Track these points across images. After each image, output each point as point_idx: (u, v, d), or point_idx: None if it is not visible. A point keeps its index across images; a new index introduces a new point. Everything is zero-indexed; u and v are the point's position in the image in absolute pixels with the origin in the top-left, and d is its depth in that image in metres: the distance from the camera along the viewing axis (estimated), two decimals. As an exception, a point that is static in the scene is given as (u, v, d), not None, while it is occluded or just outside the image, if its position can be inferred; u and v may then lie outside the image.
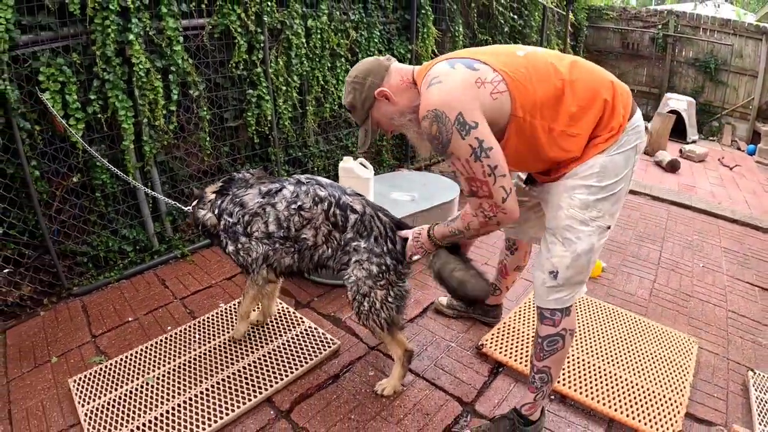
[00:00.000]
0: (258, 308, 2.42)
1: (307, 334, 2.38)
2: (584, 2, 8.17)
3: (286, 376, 2.10)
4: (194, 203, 2.13)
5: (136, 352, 2.25)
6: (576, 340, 2.36)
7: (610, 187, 1.46)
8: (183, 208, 2.27)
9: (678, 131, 7.11)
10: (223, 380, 2.08)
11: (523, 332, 2.42)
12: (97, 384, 2.06)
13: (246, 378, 2.10)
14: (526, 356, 2.24)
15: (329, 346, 2.28)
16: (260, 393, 2.01)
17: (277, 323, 2.46)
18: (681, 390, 2.11)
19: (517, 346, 2.31)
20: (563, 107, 1.40)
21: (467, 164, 1.36)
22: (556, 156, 1.46)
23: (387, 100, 1.52)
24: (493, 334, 2.39)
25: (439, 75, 1.37)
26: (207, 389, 2.03)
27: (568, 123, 1.41)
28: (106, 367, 2.15)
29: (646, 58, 8.25)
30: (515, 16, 5.74)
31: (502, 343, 2.33)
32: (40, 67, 2.43)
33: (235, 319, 2.46)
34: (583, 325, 2.52)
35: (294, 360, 2.20)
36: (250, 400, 1.97)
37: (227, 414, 1.90)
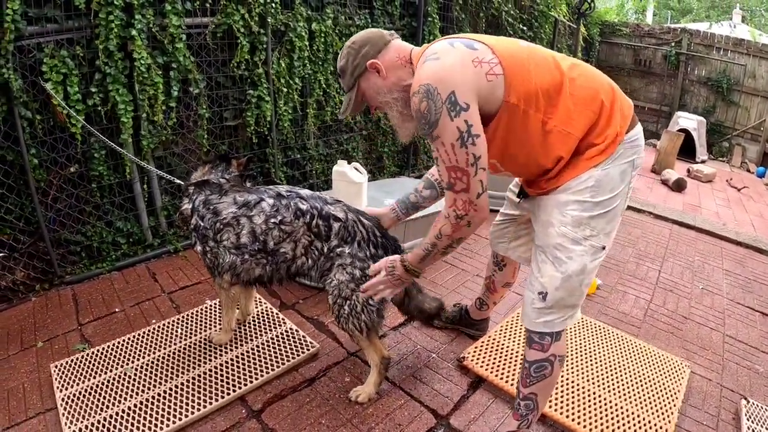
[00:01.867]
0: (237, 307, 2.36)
1: (288, 336, 2.31)
2: (597, 17, 8.04)
3: (262, 376, 2.04)
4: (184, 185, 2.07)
5: (119, 342, 2.21)
6: (562, 358, 2.28)
7: (605, 203, 1.35)
8: (176, 180, 2.21)
9: (687, 150, 6.93)
10: (199, 375, 2.03)
11: (507, 347, 2.32)
12: (78, 371, 2.03)
13: (222, 375, 2.04)
14: (508, 371, 2.15)
15: (308, 349, 2.21)
16: (234, 391, 1.95)
17: (258, 323, 2.40)
18: (668, 416, 1.99)
19: (499, 361, 2.20)
20: (561, 100, 1.30)
21: (452, 150, 1.26)
22: (545, 155, 1.36)
23: (377, 73, 1.43)
24: (476, 348, 2.29)
25: (438, 52, 1.29)
26: (183, 383, 1.98)
27: (563, 119, 1.31)
28: (88, 354, 2.13)
29: (658, 75, 8.09)
30: (525, 28, 5.64)
31: (484, 357, 2.22)
32: (43, 58, 2.42)
33: (219, 317, 2.41)
34: (571, 343, 2.41)
35: (271, 360, 2.14)
36: (223, 397, 1.92)
37: (199, 409, 1.84)
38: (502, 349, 2.30)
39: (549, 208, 1.41)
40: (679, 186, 5.68)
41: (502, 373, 2.13)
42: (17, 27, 2.29)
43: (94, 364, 2.07)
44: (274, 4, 3.17)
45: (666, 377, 2.21)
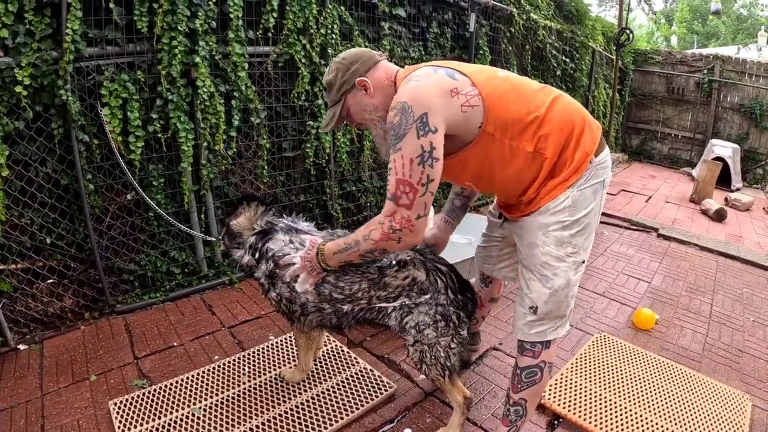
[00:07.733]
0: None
1: (362, 376, 2.01)
2: (630, 46, 7.60)
3: (341, 418, 1.76)
4: (223, 233, 1.81)
5: (182, 380, 1.93)
6: (630, 392, 2.08)
7: (581, 220, 1.34)
8: (211, 239, 1.94)
9: (720, 178, 6.44)
10: (275, 417, 1.74)
11: (581, 385, 2.09)
12: (140, 409, 1.76)
13: (299, 417, 1.76)
14: (585, 410, 1.93)
15: (386, 390, 1.91)
16: (315, 435, 1.66)
17: (330, 362, 2.10)
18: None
19: (575, 399, 1.99)
20: (531, 128, 1.29)
21: (409, 164, 1.21)
22: (518, 178, 1.35)
23: (365, 90, 1.38)
24: (551, 386, 2.06)
25: (420, 75, 1.27)
26: (258, 426, 1.70)
27: (537, 144, 1.29)
28: (149, 392, 1.85)
29: (691, 103, 7.57)
30: (567, 59, 5.27)
31: (560, 395, 2.00)
32: (103, 81, 2.17)
33: (287, 355, 2.14)
34: (638, 377, 2.20)
35: (349, 402, 1.84)
36: (304, 441, 1.62)
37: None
38: (576, 387, 2.08)
39: (532, 230, 1.38)
40: (719, 216, 5.22)
41: (579, 411, 1.92)
42: (77, 48, 2.05)
43: (157, 403, 1.79)
44: (334, 35, 2.89)
45: (730, 411, 2.03)
